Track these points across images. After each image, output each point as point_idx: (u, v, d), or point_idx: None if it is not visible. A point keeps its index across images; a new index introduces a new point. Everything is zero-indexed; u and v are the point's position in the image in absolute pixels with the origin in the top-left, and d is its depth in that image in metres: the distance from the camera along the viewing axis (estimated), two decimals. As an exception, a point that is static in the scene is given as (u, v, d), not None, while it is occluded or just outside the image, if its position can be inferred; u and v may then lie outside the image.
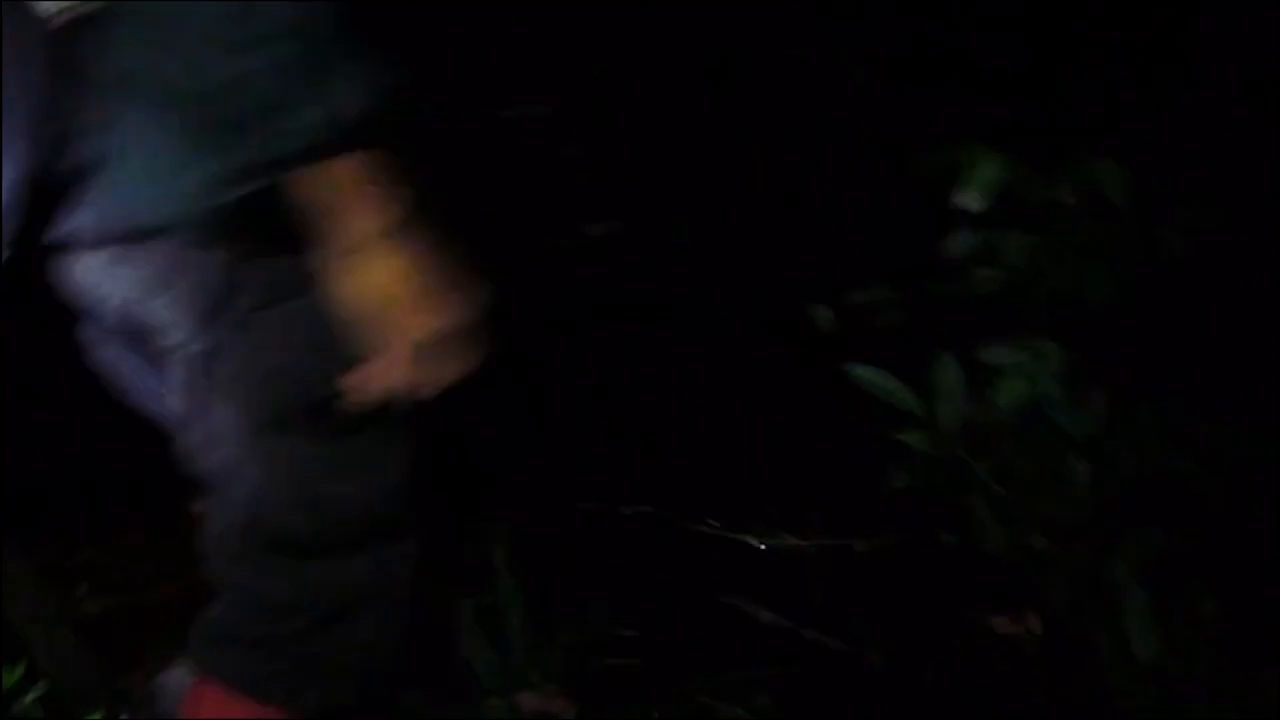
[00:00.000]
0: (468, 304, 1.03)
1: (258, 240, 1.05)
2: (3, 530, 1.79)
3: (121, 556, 1.87)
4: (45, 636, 1.70)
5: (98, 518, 1.87)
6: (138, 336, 1.16)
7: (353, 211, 0.97)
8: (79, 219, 1.05)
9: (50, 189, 1.03)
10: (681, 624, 1.60)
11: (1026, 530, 1.47)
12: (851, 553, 1.66)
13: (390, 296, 0.99)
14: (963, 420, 1.50)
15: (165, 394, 1.17)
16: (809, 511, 1.69)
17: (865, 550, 1.66)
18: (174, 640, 1.55)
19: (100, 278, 1.13)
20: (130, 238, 1.06)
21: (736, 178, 1.98)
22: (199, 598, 1.33)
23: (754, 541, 1.69)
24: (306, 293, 1.04)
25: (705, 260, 1.91)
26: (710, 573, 1.66)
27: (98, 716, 1.54)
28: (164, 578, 1.80)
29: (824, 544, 1.67)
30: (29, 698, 1.61)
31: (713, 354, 1.81)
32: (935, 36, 2.00)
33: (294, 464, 1.12)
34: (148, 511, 1.83)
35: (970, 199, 1.55)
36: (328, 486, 1.13)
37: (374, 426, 1.11)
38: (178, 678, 1.28)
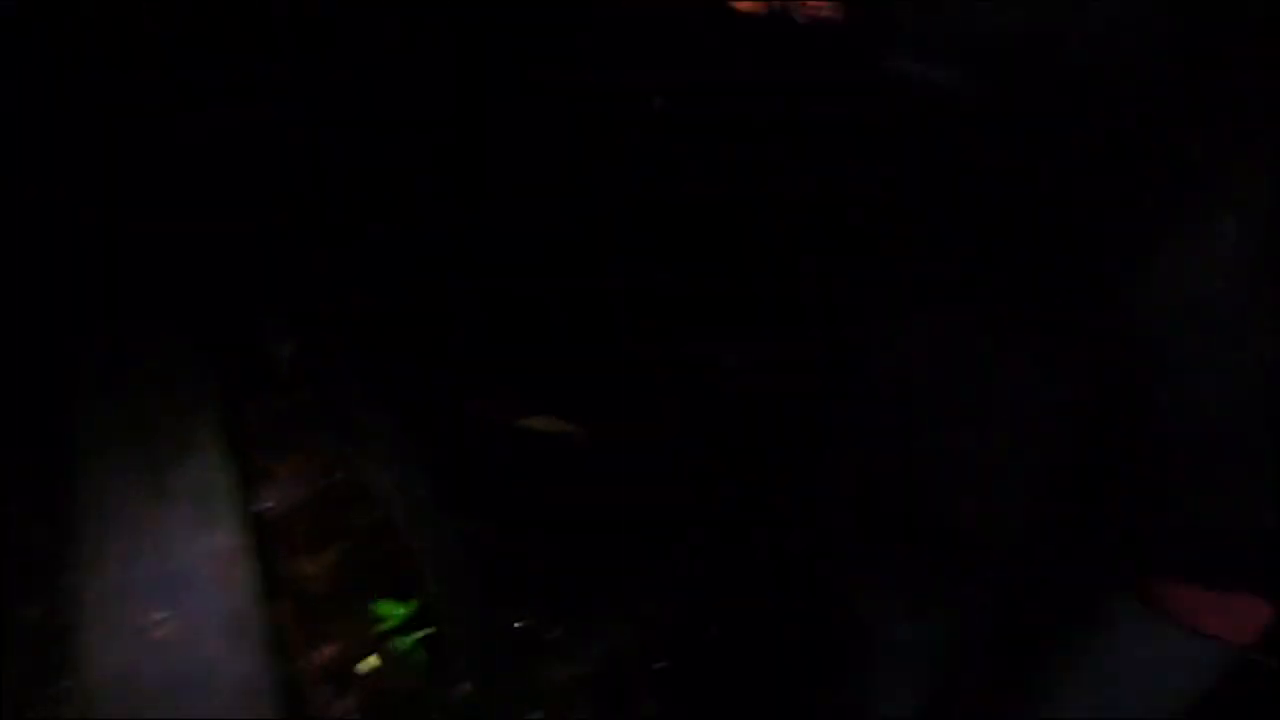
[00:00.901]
0: None
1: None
2: (417, 474, 1.81)
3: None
4: (444, 579, 1.73)
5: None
6: None
7: None
8: None
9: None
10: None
11: None
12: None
13: None
14: None
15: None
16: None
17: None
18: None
19: None
20: None
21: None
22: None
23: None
24: None
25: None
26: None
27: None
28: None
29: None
30: (415, 636, 1.66)
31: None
32: None
33: None
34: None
35: None
36: None
37: None
38: (1124, 601, 1.18)
